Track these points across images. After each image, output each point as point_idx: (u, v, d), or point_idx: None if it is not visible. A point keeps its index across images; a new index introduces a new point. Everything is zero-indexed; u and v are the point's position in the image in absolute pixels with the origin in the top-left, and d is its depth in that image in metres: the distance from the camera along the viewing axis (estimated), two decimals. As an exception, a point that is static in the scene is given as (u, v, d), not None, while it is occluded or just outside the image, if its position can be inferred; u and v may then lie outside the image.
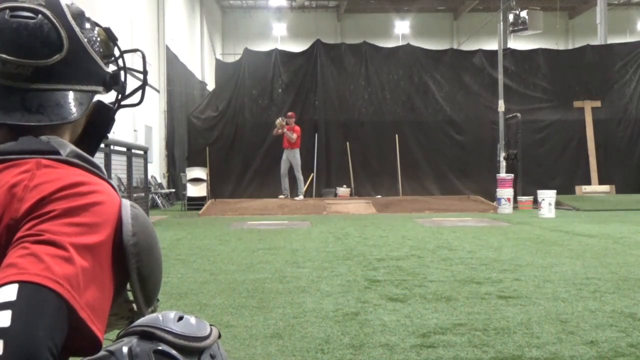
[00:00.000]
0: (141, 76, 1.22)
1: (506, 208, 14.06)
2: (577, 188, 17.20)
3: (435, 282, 5.28)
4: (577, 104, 17.88)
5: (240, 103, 17.41)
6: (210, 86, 23.73)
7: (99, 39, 1.12)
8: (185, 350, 0.99)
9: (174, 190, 19.31)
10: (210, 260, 6.72)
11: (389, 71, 17.81)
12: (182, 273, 5.90)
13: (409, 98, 17.76)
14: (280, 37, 31.17)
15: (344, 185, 17.13)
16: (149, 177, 14.72)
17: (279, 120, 15.45)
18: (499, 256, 6.84)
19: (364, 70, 17.76)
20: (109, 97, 1.18)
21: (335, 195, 16.89)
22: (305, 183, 16.54)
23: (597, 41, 20.08)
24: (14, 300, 0.81)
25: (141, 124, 17.10)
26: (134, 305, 1.07)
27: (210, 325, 1.10)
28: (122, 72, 1.17)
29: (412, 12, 31.27)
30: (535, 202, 14.10)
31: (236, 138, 17.21)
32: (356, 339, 3.55)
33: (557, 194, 13.82)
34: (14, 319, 0.79)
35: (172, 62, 20.25)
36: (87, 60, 1.09)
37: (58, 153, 1.00)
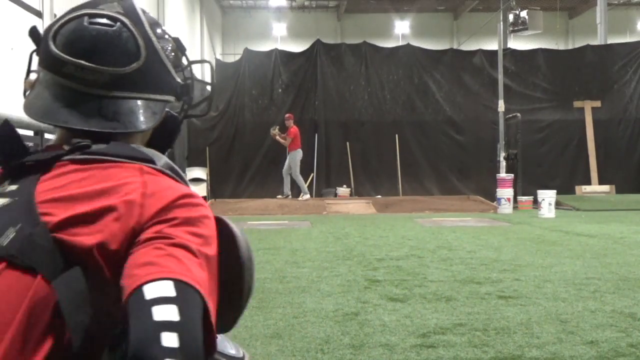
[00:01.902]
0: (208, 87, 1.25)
1: (506, 208, 14.06)
2: (577, 188, 17.20)
3: (435, 282, 5.28)
4: (577, 104, 17.88)
5: (240, 103, 17.41)
6: (210, 86, 23.68)
7: (171, 46, 1.14)
8: None
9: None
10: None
11: (389, 71, 17.81)
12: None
13: (409, 98, 17.76)
14: (280, 37, 31.16)
15: (344, 185, 17.13)
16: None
17: (270, 131, 15.57)
18: (499, 256, 6.84)
19: (364, 70, 17.76)
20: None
21: (335, 195, 16.89)
22: (305, 183, 16.56)
23: (597, 41, 20.08)
24: (176, 296, 0.82)
25: (141, 124, 17.11)
26: None
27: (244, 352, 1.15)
28: (189, 82, 1.19)
29: (412, 12, 31.25)
30: (535, 202, 14.10)
31: (236, 138, 17.21)
32: (356, 339, 3.55)
33: (557, 194, 13.82)
34: (181, 313, 0.81)
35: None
36: (161, 69, 1.10)
37: (153, 162, 1.01)
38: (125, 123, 1.05)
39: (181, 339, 0.79)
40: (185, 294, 0.83)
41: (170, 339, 0.78)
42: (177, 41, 1.17)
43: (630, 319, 3.93)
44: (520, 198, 15.13)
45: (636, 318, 3.96)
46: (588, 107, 17.88)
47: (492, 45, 20.89)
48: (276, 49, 18.39)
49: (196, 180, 16.79)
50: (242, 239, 0.99)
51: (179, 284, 0.84)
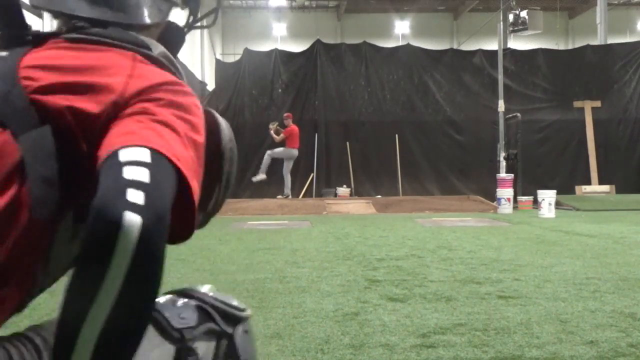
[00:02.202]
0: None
1: (506, 208, 14.06)
2: (577, 188, 17.20)
3: (435, 282, 5.28)
4: (577, 104, 17.88)
5: (240, 103, 17.42)
6: (210, 86, 23.71)
7: None
8: (225, 316, 1.00)
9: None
10: (210, 260, 6.72)
11: (389, 71, 17.81)
12: (182, 273, 5.90)
13: (409, 98, 17.76)
14: (280, 37, 31.17)
15: (344, 185, 17.13)
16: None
17: (269, 125, 15.82)
18: (499, 256, 6.84)
19: (364, 70, 17.76)
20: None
21: (335, 195, 16.89)
22: (305, 183, 16.58)
23: (597, 41, 20.08)
24: (150, 162, 0.82)
25: (141, 124, 17.11)
26: None
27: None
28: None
29: (412, 12, 31.26)
30: (535, 202, 14.10)
31: (236, 138, 16.80)
32: (356, 339, 3.55)
33: (557, 194, 13.82)
34: (152, 177, 0.80)
35: (172, 62, 20.24)
36: None
37: (150, 49, 1.01)
38: (130, 14, 1.05)
39: (147, 199, 0.78)
40: (160, 164, 0.83)
41: (136, 196, 0.77)
42: None
43: (630, 319, 3.93)
44: (520, 198, 15.13)
45: (636, 318, 3.96)
46: (588, 107, 17.88)
47: (492, 45, 20.89)
48: (276, 49, 18.39)
49: (196, 180, 16.79)
50: (226, 129, 1.01)
51: (156, 153, 0.83)
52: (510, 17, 19.59)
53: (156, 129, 0.87)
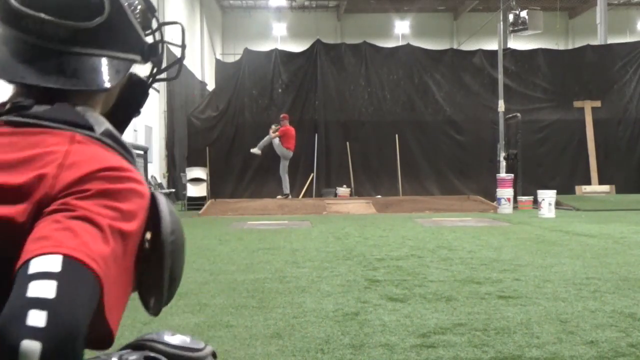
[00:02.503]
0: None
1: (506, 208, 14.06)
2: (577, 188, 17.20)
3: (435, 282, 5.28)
4: (577, 104, 17.88)
5: (240, 103, 17.42)
6: (210, 86, 23.72)
7: (138, 6, 1.09)
8: None
9: (174, 190, 19.31)
10: (210, 260, 6.72)
11: (389, 71, 17.81)
12: (182, 273, 5.89)
13: (409, 98, 17.76)
14: (280, 37, 31.17)
15: (344, 185, 17.13)
16: (149, 177, 14.73)
17: (272, 128, 15.85)
18: (499, 256, 6.84)
19: (364, 70, 17.76)
20: (142, 72, 1.15)
21: (335, 195, 16.89)
22: (305, 183, 16.58)
23: (597, 41, 20.08)
24: (59, 272, 0.76)
25: (141, 124, 17.10)
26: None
27: (206, 344, 1.09)
28: (160, 44, 1.14)
29: (412, 12, 31.27)
30: (535, 202, 14.10)
31: (236, 138, 17.21)
32: (356, 339, 3.55)
33: (557, 194, 13.82)
34: (59, 291, 0.75)
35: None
36: (127, 26, 1.05)
37: (92, 129, 0.96)
38: (86, 80, 1.00)
39: (49, 319, 0.72)
40: (71, 271, 0.77)
41: (36, 318, 0.72)
42: (146, 1, 1.12)
43: (630, 319, 3.93)
44: (520, 198, 15.13)
45: (636, 318, 3.96)
46: (588, 107, 17.88)
47: (492, 45, 20.90)
48: (276, 49, 18.39)
49: (196, 180, 16.80)
50: (168, 219, 0.93)
51: (67, 259, 0.78)
52: (510, 17, 19.60)
53: (73, 227, 0.82)
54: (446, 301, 4.52)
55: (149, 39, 1.12)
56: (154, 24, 1.14)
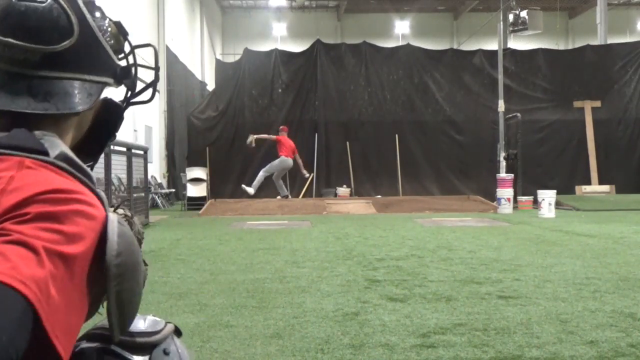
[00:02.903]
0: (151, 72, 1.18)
1: (506, 208, 14.06)
2: (577, 188, 17.20)
3: (435, 282, 5.28)
4: (577, 104, 17.89)
5: (240, 103, 17.42)
6: (210, 86, 23.73)
7: (109, 30, 1.08)
8: (134, 347, 0.96)
9: (174, 190, 19.32)
10: (210, 260, 6.72)
11: (389, 71, 17.82)
12: (182, 273, 5.90)
13: (409, 98, 17.77)
14: (280, 37, 31.17)
15: (344, 185, 17.13)
16: (149, 177, 14.72)
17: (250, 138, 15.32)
18: (499, 256, 6.84)
19: (364, 70, 17.76)
20: (117, 96, 1.15)
21: (335, 195, 16.89)
22: (305, 183, 16.57)
23: (597, 41, 20.08)
24: None
25: (141, 124, 17.10)
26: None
27: (168, 322, 1.05)
28: (133, 67, 1.12)
29: (412, 12, 31.27)
30: (535, 202, 14.10)
31: (236, 138, 17.21)
32: (356, 339, 3.55)
33: (557, 194, 13.82)
34: None
35: (172, 62, 20.25)
36: (97, 49, 1.04)
37: (46, 154, 0.94)
38: (57, 104, 0.99)
39: None
40: None
41: None
42: (118, 25, 1.11)
43: (630, 319, 3.93)
44: (520, 198, 15.13)
45: (636, 318, 3.96)
46: (588, 107, 17.88)
47: (492, 45, 20.90)
48: (276, 49, 18.39)
49: (196, 180, 16.80)
50: (115, 241, 0.90)
51: None
52: (510, 17, 19.59)
53: (4, 252, 0.78)
54: (446, 301, 4.52)
55: (122, 62, 1.10)
56: (127, 47, 1.12)
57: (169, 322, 1.07)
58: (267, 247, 7.87)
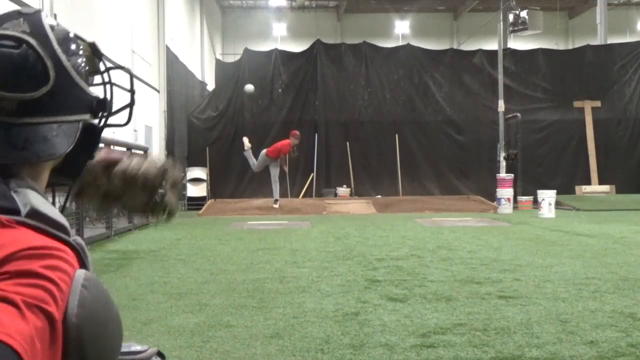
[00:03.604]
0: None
1: (506, 208, 14.06)
2: (577, 188, 17.20)
3: (435, 282, 5.28)
4: (577, 104, 17.89)
5: (240, 103, 17.42)
6: (210, 86, 23.73)
7: (84, 60, 1.06)
8: None
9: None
10: (210, 260, 6.72)
11: (389, 71, 17.82)
12: (182, 273, 5.90)
13: (409, 98, 17.77)
14: (280, 37, 31.17)
15: (344, 185, 17.13)
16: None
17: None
18: (499, 256, 6.84)
19: (364, 70, 17.76)
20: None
21: (335, 195, 16.89)
22: (305, 183, 16.56)
23: (597, 41, 20.08)
24: None
25: (141, 124, 17.10)
26: None
27: (149, 347, 1.08)
28: (108, 95, 1.11)
29: (412, 12, 31.27)
30: (535, 202, 14.10)
31: (236, 138, 17.19)
32: (356, 339, 3.55)
33: (557, 194, 13.82)
34: None
35: (172, 62, 20.24)
36: (73, 89, 1.03)
37: (18, 212, 0.93)
38: (38, 152, 0.98)
39: None
40: None
41: None
42: (92, 47, 1.10)
43: (630, 319, 3.93)
44: (520, 198, 15.13)
45: (636, 318, 3.96)
46: (588, 107, 17.89)
47: (492, 45, 20.89)
48: (276, 49, 18.39)
49: (196, 180, 16.80)
50: (76, 298, 0.88)
51: None
52: (510, 17, 19.59)
53: None
54: (446, 301, 4.52)
55: (99, 89, 1.10)
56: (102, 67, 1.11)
57: (150, 347, 1.09)
58: (267, 247, 7.87)
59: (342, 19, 32.26)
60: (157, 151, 19.10)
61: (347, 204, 15.42)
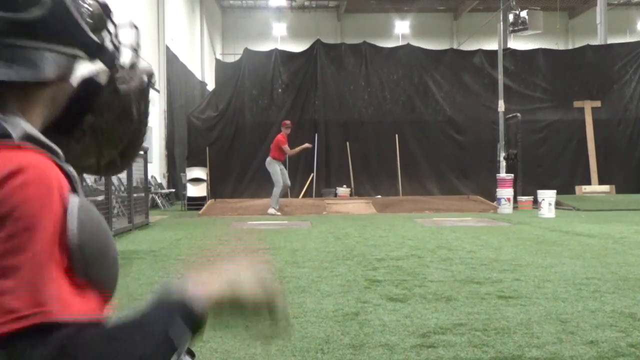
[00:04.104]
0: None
1: (506, 208, 14.06)
2: (577, 188, 17.20)
3: (435, 282, 5.28)
4: (577, 104, 17.89)
5: (240, 103, 17.41)
6: (210, 86, 23.74)
7: (90, 9, 1.06)
8: None
9: (174, 190, 19.31)
10: (210, 261, 6.71)
11: (389, 71, 17.81)
12: (182, 273, 5.89)
13: (409, 98, 17.76)
14: (280, 37, 31.17)
15: (344, 185, 17.13)
16: (149, 177, 14.71)
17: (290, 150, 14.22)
18: (499, 256, 6.84)
19: (364, 70, 17.76)
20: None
21: (335, 195, 16.88)
22: (305, 183, 16.56)
23: (597, 41, 20.08)
24: None
25: (141, 124, 17.10)
26: None
27: None
28: (111, 45, 1.10)
29: (412, 12, 31.27)
30: (535, 202, 14.10)
31: (236, 138, 17.21)
32: (356, 339, 3.55)
33: (557, 194, 13.82)
34: None
35: (172, 62, 20.24)
36: (69, 21, 1.02)
37: (10, 136, 0.93)
38: (19, 72, 0.97)
39: None
40: None
41: None
42: (102, 5, 1.10)
43: (630, 319, 3.93)
44: (520, 198, 15.12)
45: (636, 318, 3.96)
46: (588, 107, 17.88)
47: (492, 45, 20.89)
48: (276, 49, 18.38)
49: (196, 180, 16.80)
50: (73, 221, 0.91)
51: None
52: (510, 17, 19.59)
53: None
54: (446, 301, 4.52)
55: (106, 40, 1.09)
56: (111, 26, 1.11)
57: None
58: (267, 247, 7.87)
59: (342, 19, 32.26)
60: (157, 151, 19.11)
61: (347, 204, 15.42)
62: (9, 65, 0.96)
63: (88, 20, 1.05)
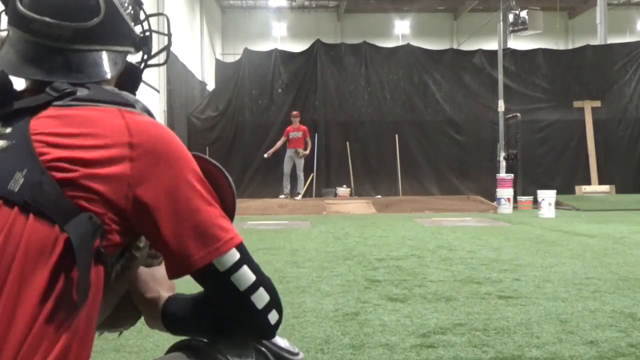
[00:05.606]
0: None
1: (506, 208, 14.05)
2: (577, 188, 17.20)
3: (435, 282, 5.28)
4: (577, 104, 17.88)
5: (240, 103, 17.42)
6: (210, 86, 23.72)
7: (130, 3, 1.23)
8: (278, 358, 1.15)
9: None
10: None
11: (389, 71, 17.81)
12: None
13: (409, 98, 17.77)
14: (280, 37, 31.16)
15: (344, 185, 17.13)
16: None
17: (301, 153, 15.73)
18: (499, 256, 6.84)
19: (364, 70, 17.76)
20: (134, 59, 1.29)
21: (335, 195, 16.88)
22: (305, 183, 16.55)
23: (597, 41, 20.07)
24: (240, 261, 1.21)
25: (141, 124, 17.10)
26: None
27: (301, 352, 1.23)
28: (148, 34, 1.28)
29: (412, 12, 31.25)
30: (535, 202, 14.10)
31: (236, 138, 17.21)
32: (356, 339, 3.55)
33: (557, 194, 13.81)
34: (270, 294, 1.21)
35: (172, 62, 20.19)
36: (120, 22, 1.19)
37: (133, 106, 1.10)
38: (88, 74, 1.14)
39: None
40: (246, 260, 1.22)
41: (272, 316, 1.14)
42: None
43: (630, 319, 3.93)
44: (520, 198, 15.12)
45: (636, 318, 3.96)
46: (588, 107, 17.88)
47: (492, 45, 20.89)
48: (276, 49, 18.39)
49: (196, 180, 16.78)
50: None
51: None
52: (510, 17, 19.58)
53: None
54: (446, 301, 4.52)
55: (139, 30, 1.26)
56: (142, 16, 1.28)
57: (300, 352, 1.23)
58: (267, 247, 7.87)
59: (342, 19, 32.25)
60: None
61: (347, 204, 15.42)
62: (79, 69, 1.14)
63: (130, 13, 1.22)
